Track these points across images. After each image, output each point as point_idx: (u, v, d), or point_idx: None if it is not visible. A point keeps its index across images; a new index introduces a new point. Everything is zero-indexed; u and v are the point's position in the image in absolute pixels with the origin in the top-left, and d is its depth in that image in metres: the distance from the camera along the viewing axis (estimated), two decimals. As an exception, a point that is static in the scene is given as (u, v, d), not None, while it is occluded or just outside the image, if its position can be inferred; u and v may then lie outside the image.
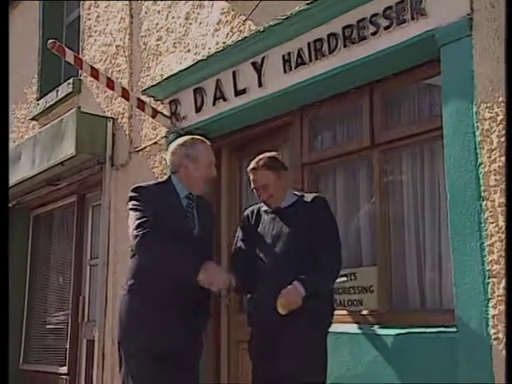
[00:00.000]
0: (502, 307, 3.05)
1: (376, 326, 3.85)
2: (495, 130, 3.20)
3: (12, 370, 7.70)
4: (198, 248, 2.95)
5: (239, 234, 3.46)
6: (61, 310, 7.50)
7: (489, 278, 3.14)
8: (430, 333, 3.46)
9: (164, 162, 5.34)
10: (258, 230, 3.33)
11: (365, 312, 4.05)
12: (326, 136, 4.62)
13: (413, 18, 3.61)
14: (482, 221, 3.21)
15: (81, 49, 7.12)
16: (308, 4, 4.07)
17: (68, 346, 6.95)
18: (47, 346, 7.67)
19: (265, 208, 3.38)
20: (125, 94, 5.41)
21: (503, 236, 3.09)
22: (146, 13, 6.10)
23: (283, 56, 4.37)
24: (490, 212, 3.18)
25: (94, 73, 5.29)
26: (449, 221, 3.40)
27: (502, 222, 3.12)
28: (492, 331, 3.10)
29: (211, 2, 5.24)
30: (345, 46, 3.97)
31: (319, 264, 3.11)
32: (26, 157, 7.16)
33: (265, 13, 4.54)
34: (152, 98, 5.52)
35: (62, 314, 7.44)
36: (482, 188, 3.23)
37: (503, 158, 3.13)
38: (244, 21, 4.82)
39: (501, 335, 3.06)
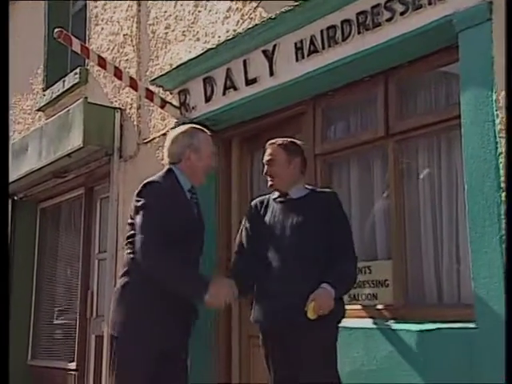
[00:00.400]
0: (523, 302, 3.02)
1: (391, 321, 3.84)
2: (515, 119, 3.17)
3: (20, 366, 7.82)
4: (201, 245, 3.06)
5: (245, 225, 3.36)
6: (69, 304, 7.54)
7: (508, 271, 3.11)
8: (447, 328, 3.43)
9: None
10: (266, 219, 3.25)
11: (380, 306, 4.04)
12: (339, 126, 4.60)
13: (430, 3, 3.57)
14: (501, 212, 3.17)
15: (87, 38, 7.12)
16: (321, -10, 4.05)
17: (76, 342, 6.99)
18: (55, 341, 7.72)
19: (274, 196, 3.31)
20: (133, 84, 5.41)
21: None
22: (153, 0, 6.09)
23: (295, 44, 4.34)
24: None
25: (102, 62, 5.29)
26: (467, 212, 3.37)
27: (522, 214, 3.08)
28: (512, 326, 3.07)
29: (221, -12, 5.22)
30: (359, 33, 3.94)
31: (342, 264, 3.06)
32: (33, 149, 7.18)
33: (276, -1, 4.52)
34: (161, 88, 5.52)
35: (69, 309, 7.49)
36: (502, 178, 3.20)
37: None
38: (255, 8, 4.79)
39: (521, 331, 3.03)
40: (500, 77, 3.24)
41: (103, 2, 7.01)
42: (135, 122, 6.14)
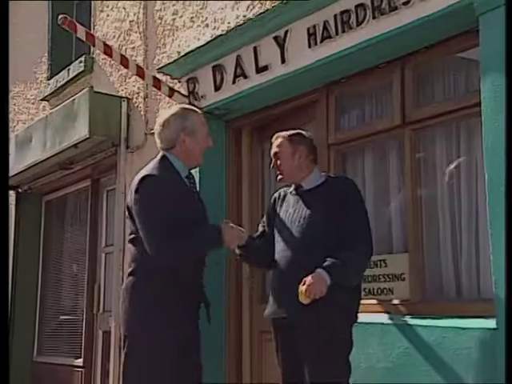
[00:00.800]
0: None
1: (408, 316, 3.82)
2: (538, 106, 3.14)
3: (25, 363, 7.88)
4: None
5: (264, 218, 3.49)
6: (75, 299, 7.58)
7: (531, 264, 3.09)
8: (466, 324, 3.42)
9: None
10: (281, 213, 3.32)
11: (396, 301, 4.03)
12: (353, 114, 4.58)
13: (448, -15, 3.54)
14: (523, 204, 3.15)
15: (92, 25, 7.12)
16: (334, -27, 4.02)
17: (83, 338, 7.03)
18: (62, 337, 7.75)
19: (291, 189, 3.38)
20: (140, 73, 5.40)
21: (546, 220, 3.03)
22: (160, -15, 6.08)
23: (308, 29, 4.31)
24: (533, 194, 3.12)
25: (107, 50, 5.28)
26: (487, 203, 3.35)
27: (545, 205, 3.06)
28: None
29: (230, -28, 5.19)
30: (374, 18, 3.90)
31: (348, 252, 3.06)
32: (37, 140, 7.20)
33: (288, -17, 4.49)
34: (168, 77, 5.50)
35: (76, 304, 7.52)
36: (524, 168, 3.17)
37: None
38: (266, -8, 4.77)
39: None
40: (522, 62, 3.21)
41: (108, -12, 7.00)
42: (142, 112, 6.14)
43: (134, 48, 6.36)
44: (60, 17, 5.02)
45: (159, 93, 5.60)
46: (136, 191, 2.89)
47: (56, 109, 7.08)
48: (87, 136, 6.21)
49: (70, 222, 8.05)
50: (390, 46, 3.98)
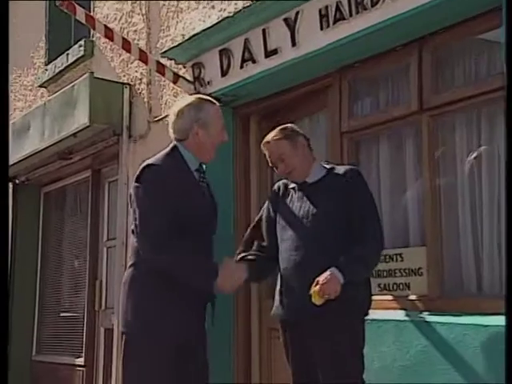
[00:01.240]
0: None
1: (425, 313, 3.83)
2: None
3: (24, 362, 7.92)
4: (213, 229, 3.04)
5: (265, 209, 3.38)
6: (76, 296, 7.61)
7: (556, 258, 3.08)
8: (488, 321, 3.41)
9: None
10: (285, 209, 3.26)
11: (413, 297, 4.03)
12: (367, 100, 4.57)
13: (469, -39, 3.52)
14: (548, 194, 3.13)
15: (92, 6, 7.13)
16: (348, -50, 4.00)
17: (84, 336, 7.07)
18: (62, 335, 7.80)
19: (293, 185, 3.30)
20: (142, 57, 5.40)
21: None
22: (164, -35, 6.07)
23: (320, 10, 4.30)
24: (558, 184, 3.10)
25: (108, 33, 5.29)
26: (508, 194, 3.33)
27: None
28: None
29: (237, -50, 5.18)
30: (390, -3, 3.89)
31: (359, 248, 3.04)
32: (35, 128, 7.23)
33: (298, -39, 4.47)
34: (173, 61, 5.51)
35: (77, 301, 7.56)
36: (549, 156, 3.15)
37: None
38: (275, -29, 4.75)
39: None
40: (548, 44, 3.18)
41: (109, -32, 6.99)
42: (145, 99, 6.15)
43: (136, 31, 6.36)
44: (58, -2, 5.02)
45: (163, 78, 5.61)
46: (136, 179, 2.89)
47: (54, 95, 7.10)
48: (87, 124, 6.23)
49: (70, 214, 8.08)
50: (406, 28, 3.96)
